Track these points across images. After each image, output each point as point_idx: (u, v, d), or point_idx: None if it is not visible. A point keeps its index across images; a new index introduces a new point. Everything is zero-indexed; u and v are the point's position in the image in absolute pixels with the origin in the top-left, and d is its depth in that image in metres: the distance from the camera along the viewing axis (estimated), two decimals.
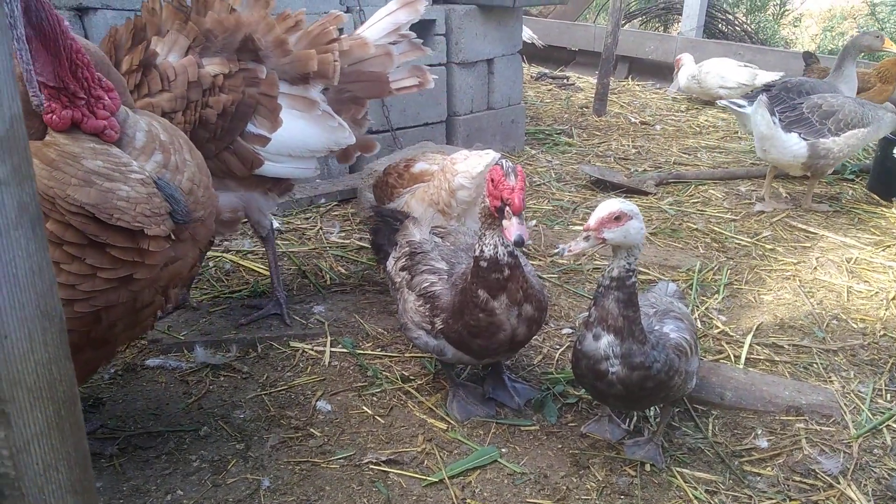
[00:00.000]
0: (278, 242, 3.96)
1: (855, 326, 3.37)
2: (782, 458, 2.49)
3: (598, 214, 2.10)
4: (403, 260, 2.66)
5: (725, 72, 7.62)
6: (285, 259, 3.79)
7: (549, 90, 8.67)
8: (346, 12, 4.78)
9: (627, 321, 2.13)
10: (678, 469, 2.40)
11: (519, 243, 2.07)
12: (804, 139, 4.61)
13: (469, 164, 3.10)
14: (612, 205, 2.11)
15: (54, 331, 0.92)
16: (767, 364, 3.04)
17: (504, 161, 2.19)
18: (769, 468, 2.44)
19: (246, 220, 3.01)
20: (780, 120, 4.68)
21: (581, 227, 4.31)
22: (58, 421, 0.94)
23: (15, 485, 0.89)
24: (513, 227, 2.08)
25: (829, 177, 5.45)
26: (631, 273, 2.13)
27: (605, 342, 2.15)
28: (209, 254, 3.75)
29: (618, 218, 2.09)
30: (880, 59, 7.40)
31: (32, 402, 0.91)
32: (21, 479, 0.89)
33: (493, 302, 2.30)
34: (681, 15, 10.02)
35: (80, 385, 2.22)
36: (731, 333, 3.25)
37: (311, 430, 2.54)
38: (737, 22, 10.57)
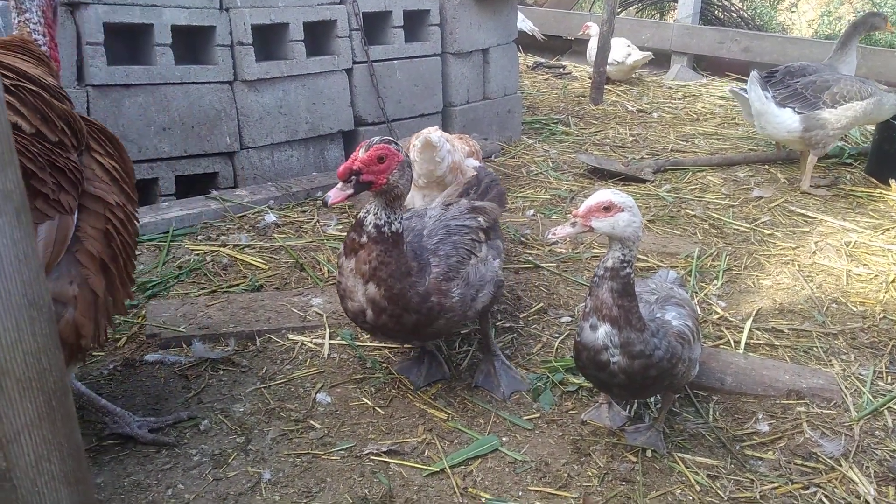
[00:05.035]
0: (275, 235, 3.95)
1: (854, 310, 3.36)
2: (783, 441, 2.49)
3: (589, 202, 2.10)
4: None
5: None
6: (282, 252, 3.78)
7: (546, 79, 8.64)
8: (339, 4, 4.76)
9: (623, 310, 2.11)
10: (679, 454, 2.40)
11: (323, 203, 2.33)
12: (798, 113, 4.64)
13: (416, 140, 3.28)
14: (604, 194, 2.10)
15: (42, 320, 0.91)
16: (767, 349, 3.04)
17: (388, 139, 2.30)
18: (770, 452, 2.44)
19: None
20: (773, 96, 4.72)
21: None
22: (48, 411, 0.93)
23: (6, 476, 0.88)
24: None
25: (828, 161, 5.44)
26: (626, 264, 2.12)
27: (603, 332, 2.14)
28: (206, 248, 3.74)
29: (607, 208, 2.08)
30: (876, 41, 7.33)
31: (21, 393, 0.89)
32: (12, 470, 0.88)
33: (342, 259, 2.41)
34: (676, 2, 9.96)
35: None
36: (731, 319, 3.25)
37: (312, 422, 2.53)
38: (733, 8, 10.52)
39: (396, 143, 2.31)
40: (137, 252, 3.66)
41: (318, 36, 4.79)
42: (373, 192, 2.30)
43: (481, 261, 2.62)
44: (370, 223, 2.32)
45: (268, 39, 4.59)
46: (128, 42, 4.16)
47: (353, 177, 2.23)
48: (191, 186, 4.40)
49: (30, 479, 0.91)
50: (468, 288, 2.51)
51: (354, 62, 4.90)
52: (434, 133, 3.22)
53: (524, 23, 9.06)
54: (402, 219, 2.39)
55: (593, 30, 7.87)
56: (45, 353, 0.92)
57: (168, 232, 3.86)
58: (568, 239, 3.76)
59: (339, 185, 2.25)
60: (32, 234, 0.90)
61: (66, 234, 1.97)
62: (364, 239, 2.32)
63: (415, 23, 5.28)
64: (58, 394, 0.94)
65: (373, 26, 5.05)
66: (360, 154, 2.24)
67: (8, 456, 0.88)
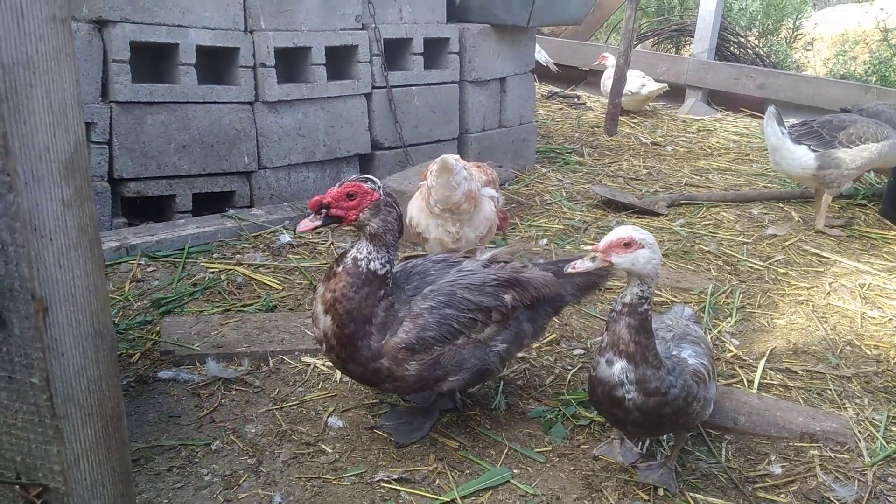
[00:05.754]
0: (290, 256, 3.97)
1: (869, 353, 3.35)
2: (796, 485, 2.47)
3: (609, 238, 2.11)
4: None
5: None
6: (297, 273, 3.80)
7: (560, 109, 8.71)
8: (361, 30, 4.83)
9: (640, 347, 2.11)
10: (692, 494, 2.38)
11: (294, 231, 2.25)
12: (813, 150, 4.67)
13: (433, 166, 3.24)
14: (624, 230, 2.12)
15: (105, 348, 0.93)
16: (781, 389, 3.02)
17: (366, 178, 2.28)
18: (783, 495, 2.42)
19: None
20: (789, 132, 4.75)
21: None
22: (105, 437, 0.95)
23: (64, 500, 0.90)
24: None
25: (842, 201, 5.45)
26: (644, 301, 2.12)
27: (619, 368, 2.14)
28: (221, 266, 3.76)
29: (627, 244, 2.09)
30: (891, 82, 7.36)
31: (84, 419, 0.91)
32: (70, 494, 0.90)
33: (318, 283, 2.39)
34: (692, 37, 10.05)
35: None
36: (744, 357, 3.24)
37: (323, 446, 2.53)
38: (749, 45, 10.60)
39: (374, 182, 2.28)
40: (152, 268, 3.70)
41: (339, 60, 4.85)
42: (343, 226, 2.31)
43: (474, 342, 2.41)
44: (350, 255, 2.31)
45: (289, 62, 4.65)
46: (152, 60, 4.23)
47: (322, 209, 2.25)
48: (207, 204, 4.44)
49: (85, 502, 0.92)
50: (434, 368, 2.34)
51: (374, 87, 4.96)
52: (450, 155, 3.24)
53: (540, 54, 9.15)
54: (386, 261, 2.29)
55: (610, 60, 7.94)
56: (105, 379, 0.93)
57: (184, 249, 3.89)
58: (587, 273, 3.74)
59: (311, 215, 2.27)
60: (102, 267, 0.92)
61: None
62: (339, 268, 2.31)
63: (434, 50, 5.35)
64: (114, 420, 0.95)
65: (393, 52, 5.12)
66: (335, 189, 2.26)
67: (68, 480, 0.89)
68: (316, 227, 2.27)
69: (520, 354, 3.15)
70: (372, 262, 2.27)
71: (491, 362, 2.47)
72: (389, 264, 2.31)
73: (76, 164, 0.86)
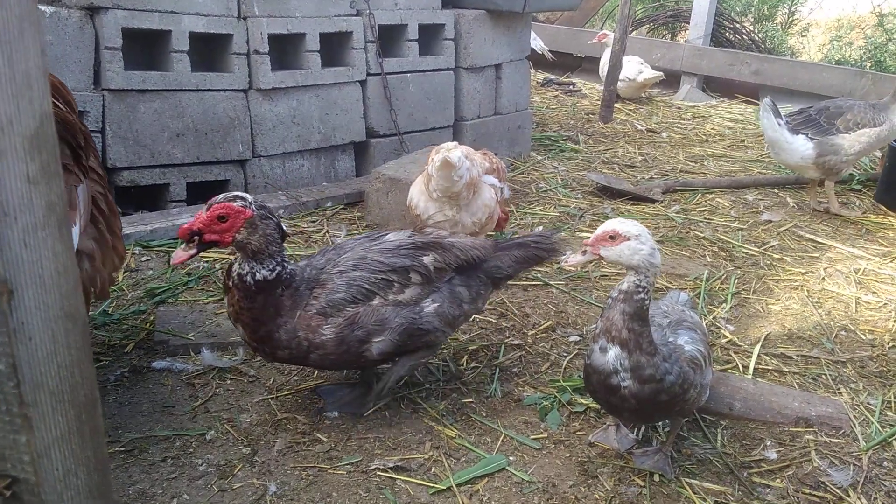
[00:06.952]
0: (285, 245, 3.94)
1: (863, 338, 3.35)
2: (792, 469, 2.47)
3: (597, 232, 2.13)
4: None
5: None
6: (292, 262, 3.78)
7: (556, 96, 8.67)
8: (355, 16, 4.79)
9: (633, 334, 2.11)
10: (687, 480, 2.39)
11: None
12: (811, 139, 4.66)
13: (436, 156, 3.22)
14: (610, 224, 2.14)
15: (77, 333, 0.91)
16: (776, 374, 3.03)
17: (235, 195, 2.25)
18: (778, 480, 2.42)
19: None
20: (786, 122, 4.74)
21: (586, 235, 4.31)
22: (78, 425, 0.93)
23: (35, 490, 0.88)
24: None
25: (837, 186, 5.44)
26: (641, 290, 2.11)
27: (613, 355, 2.13)
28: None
29: (612, 237, 2.10)
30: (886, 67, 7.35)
31: (54, 406, 0.89)
32: (41, 484, 0.88)
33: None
34: (688, 23, 10.01)
35: None
36: (739, 343, 3.24)
37: (318, 435, 2.52)
38: (744, 31, 10.56)
39: (244, 199, 2.22)
40: (146, 258, 3.68)
41: (333, 47, 4.82)
42: (221, 248, 2.29)
43: (394, 304, 2.40)
44: (235, 270, 2.30)
45: (284, 49, 4.62)
46: (145, 48, 4.19)
47: (195, 237, 2.19)
48: (201, 193, 4.41)
49: (57, 494, 0.91)
50: (352, 328, 2.33)
51: (368, 74, 4.93)
52: (454, 152, 3.16)
53: (535, 41, 9.08)
54: (273, 266, 2.29)
55: (609, 39, 7.79)
56: (78, 366, 0.92)
57: (177, 238, 3.87)
58: (580, 266, 3.72)
59: (184, 244, 2.22)
60: (72, 247, 0.90)
61: (90, 196, 2.19)
62: (230, 283, 2.32)
63: (429, 36, 5.31)
64: (88, 407, 0.93)
65: (388, 39, 5.08)
66: (203, 213, 2.18)
67: (38, 470, 0.88)
68: (191, 256, 2.23)
69: (515, 342, 3.14)
70: (258, 274, 2.28)
71: (425, 322, 2.46)
72: (279, 266, 2.31)
73: (42, 138, 0.84)
